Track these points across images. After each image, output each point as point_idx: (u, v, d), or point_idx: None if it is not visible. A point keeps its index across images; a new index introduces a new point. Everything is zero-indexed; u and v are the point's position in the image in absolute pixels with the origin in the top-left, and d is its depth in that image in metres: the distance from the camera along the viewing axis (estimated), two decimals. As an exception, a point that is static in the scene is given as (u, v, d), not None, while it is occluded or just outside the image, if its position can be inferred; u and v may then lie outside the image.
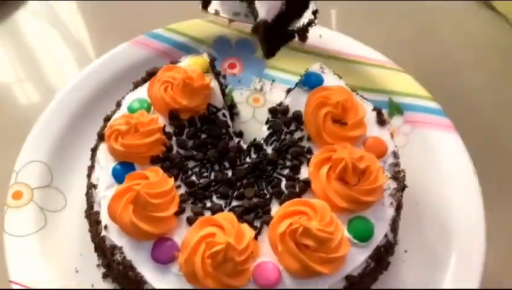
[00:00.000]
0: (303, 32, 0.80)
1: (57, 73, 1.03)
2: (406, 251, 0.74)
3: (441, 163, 0.80)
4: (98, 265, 0.72)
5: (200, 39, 0.92)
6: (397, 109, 0.86)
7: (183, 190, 0.68)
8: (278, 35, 0.76)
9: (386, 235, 0.67)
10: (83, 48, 1.07)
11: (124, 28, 1.03)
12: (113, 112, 0.77)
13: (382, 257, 0.67)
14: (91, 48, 1.06)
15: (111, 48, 0.92)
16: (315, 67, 0.80)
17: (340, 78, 0.80)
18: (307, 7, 0.78)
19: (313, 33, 0.82)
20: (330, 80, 0.78)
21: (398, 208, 0.71)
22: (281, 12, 0.73)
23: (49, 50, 1.07)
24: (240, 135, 0.80)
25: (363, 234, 0.65)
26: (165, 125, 0.72)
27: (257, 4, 0.72)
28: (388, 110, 0.86)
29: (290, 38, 0.80)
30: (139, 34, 0.93)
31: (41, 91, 1.00)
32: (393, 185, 0.70)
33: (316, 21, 0.78)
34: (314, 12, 0.78)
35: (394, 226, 0.69)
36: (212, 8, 0.83)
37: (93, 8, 1.13)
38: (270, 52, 0.78)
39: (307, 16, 0.78)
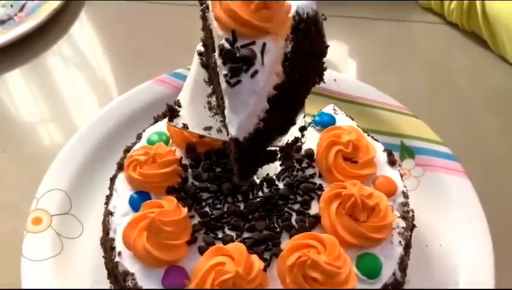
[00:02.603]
0: (286, 153, 0.69)
1: (81, 113, 1.07)
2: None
3: (451, 206, 0.81)
4: (109, 291, 0.74)
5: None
6: (408, 153, 0.88)
7: (196, 220, 0.70)
8: (253, 156, 0.61)
9: (394, 274, 0.67)
10: (107, 88, 1.11)
11: (147, 69, 1.07)
12: (133, 144, 0.80)
13: (390, 296, 0.67)
14: (115, 89, 1.10)
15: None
16: (328, 109, 0.83)
17: (352, 119, 0.82)
18: (293, 123, 0.66)
19: (329, 76, 0.85)
20: (342, 121, 0.80)
21: (407, 247, 0.71)
22: (257, 129, 0.58)
23: (74, 91, 1.11)
24: (253, 170, 0.82)
25: (371, 271, 0.66)
26: (181, 158, 0.75)
27: (227, 117, 0.57)
28: (400, 153, 0.88)
29: (270, 160, 0.66)
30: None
31: (64, 130, 1.03)
32: (402, 224, 0.71)
33: (302, 139, 0.66)
34: (302, 129, 0.66)
35: (403, 265, 0.69)
36: (179, 121, 0.71)
37: (118, 50, 1.19)
38: (243, 176, 0.64)
39: (293, 133, 0.65)
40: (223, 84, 0.56)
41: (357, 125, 0.81)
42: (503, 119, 1.02)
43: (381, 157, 0.77)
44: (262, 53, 0.56)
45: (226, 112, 0.57)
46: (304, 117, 0.67)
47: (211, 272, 0.61)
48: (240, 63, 0.55)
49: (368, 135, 0.80)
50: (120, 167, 0.76)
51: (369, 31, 1.19)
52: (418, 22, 1.23)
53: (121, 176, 0.75)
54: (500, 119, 1.02)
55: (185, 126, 0.71)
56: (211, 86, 0.71)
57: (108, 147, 0.87)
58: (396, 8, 1.23)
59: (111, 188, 0.76)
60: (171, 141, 0.78)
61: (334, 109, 0.83)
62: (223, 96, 0.57)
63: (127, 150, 0.80)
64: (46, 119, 1.08)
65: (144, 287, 0.65)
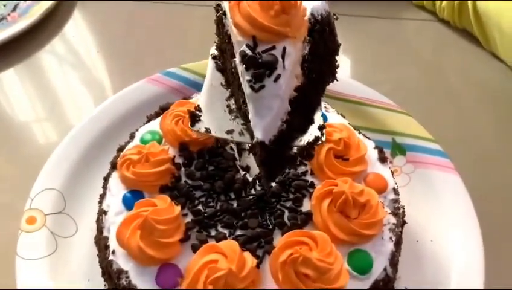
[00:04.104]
0: (308, 152, 0.69)
1: (75, 112, 1.07)
2: (405, 288, 0.75)
3: (442, 202, 0.82)
4: (104, 290, 0.75)
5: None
6: (400, 150, 0.89)
7: (189, 218, 0.71)
8: (278, 158, 0.62)
9: (385, 269, 0.68)
10: (101, 87, 1.11)
11: (141, 69, 1.08)
12: (127, 143, 0.81)
13: (381, 291, 0.68)
14: (110, 87, 1.10)
15: (128, 87, 0.97)
16: (320, 107, 0.83)
17: (344, 117, 0.83)
18: (312, 122, 0.67)
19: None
20: (334, 118, 0.81)
21: (398, 244, 0.72)
22: (281, 131, 0.59)
23: (68, 90, 1.11)
24: (246, 169, 0.82)
25: (362, 267, 0.66)
26: (174, 156, 0.76)
27: (252, 121, 0.58)
28: (391, 150, 0.89)
29: (294, 161, 0.71)
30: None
31: (59, 129, 1.03)
32: (392, 220, 0.72)
33: (322, 138, 0.67)
34: (321, 128, 0.67)
35: (393, 261, 0.70)
36: (201, 126, 0.71)
37: (112, 49, 1.19)
38: (270, 177, 0.66)
39: (312, 132, 0.66)
40: (247, 90, 0.57)
41: (349, 123, 0.81)
42: (494, 116, 1.03)
43: (372, 154, 0.78)
44: (283, 57, 0.57)
45: (250, 116, 0.58)
46: (322, 116, 0.68)
47: (203, 269, 0.62)
48: (262, 68, 0.56)
49: (359, 133, 0.81)
50: (113, 166, 0.77)
51: (361, 29, 1.19)
52: (410, 19, 1.23)
53: (115, 175, 0.76)
54: (492, 116, 1.03)
55: (208, 130, 0.70)
56: (229, 89, 0.72)
57: (101, 146, 0.88)
58: (388, 6, 1.24)
59: (104, 187, 0.77)
60: (164, 140, 0.79)
61: (325, 107, 0.83)
62: (247, 101, 0.58)
63: (120, 149, 0.80)
64: (40, 119, 1.08)
65: (137, 285, 0.65)
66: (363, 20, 1.21)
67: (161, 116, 0.80)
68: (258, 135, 0.58)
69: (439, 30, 1.20)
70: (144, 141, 0.79)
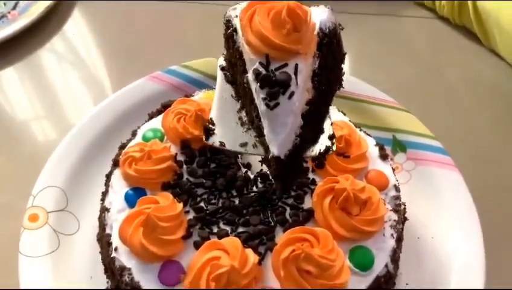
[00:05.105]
0: (320, 161, 0.73)
1: (75, 111, 1.07)
2: (406, 284, 0.75)
3: (442, 199, 0.82)
4: (107, 288, 0.74)
5: (213, 76, 0.95)
6: (400, 147, 0.89)
7: (191, 215, 0.71)
8: (292, 170, 0.64)
9: (386, 266, 0.68)
10: (101, 86, 1.11)
11: (141, 66, 1.08)
12: (129, 141, 0.81)
13: (382, 288, 0.68)
14: (109, 86, 1.10)
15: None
16: (320, 104, 0.83)
17: (344, 114, 0.83)
18: (322, 132, 0.68)
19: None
20: (334, 116, 0.81)
21: (399, 240, 0.72)
22: (295, 145, 0.61)
23: (68, 88, 1.11)
24: (247, 166, 0.82)
25: (363, 263, 0.67)
26: (176, 154, 0.76)
27: (267, 137, 0.60)
28: (392, 148, 0.89)
29: (306, 172, 0.74)
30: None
31: (59, 127, 1.03)
32: (394, 217, 0.72)
33: (333, 147, 0.67)
34: (331, 137, 0.68)
35: (395, 257, 0.71)
36: (216, 140, 0.71)
37: (112, 47, 1.19)
38: (285, 190, 0.69)
39: (323, 142, 0.67)
40: (262, 107, 0.58)
41: (349, 120, 0.82)
42: (494, 113, 1.03)
43: (373, 151, 0.78)
44: (295, 74, 0.58)
45: (265, 132, 0.60)
46: (331, 125, 0.69)
47: (206, 266, 0.62)
48: (277, 86, 0.57)
49: (360, 130, 0.81)
50: (115, 164, 0.77)
51: (361, 26, 1.20)
52: (410, 16, 1.24)
53: (117, 173, 0.76)
54: (491, 113, 1.03)
55: (222, 144, 0.71)
56: (239, 101, 0.72)
57: (103, 143, 0.88)
58: (388, 3, 1.24)
59: (107, 184, 0.77)
60: (165, 137, 0.79)
61: (326, 105, 0.83)
62: (261, 117, 0.60)
63: (122, 146, 0.80)
64: (40, 117, 1.08)
65: (140, 282, 0.65)
66: (363, 18, 1.21)
67: (163, 113, 0.81)
68: (274, 150, 0.59)
69: (438, 28, 1.20)
70: (145, 139, 0.79)
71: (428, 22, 1.22)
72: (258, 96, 0.59)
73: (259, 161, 0.70)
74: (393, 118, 0.91)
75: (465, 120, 1.02)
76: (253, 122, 0.66)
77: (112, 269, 0.69)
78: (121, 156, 0.76)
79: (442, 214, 0.81)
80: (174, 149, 0.77)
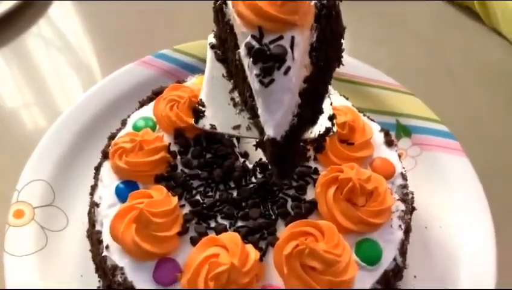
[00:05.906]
0: (319, 144, 0.70)
1: (63, 96, 1.04)
2: (415, 277, 0.73)
3: (450, 186, 0.79)
4: (98, 287, 0.71)
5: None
6: (405, 131, 0.86)
7: (187, 209, 0.68)
8: (290, 153, 0.59)
9: (394, 259, 0.66)
10: (90, 71, 1.08)
11: (131, 50, 1.04)
12: (118, 130, 0.78)
13: (390, 282, 0.66)
14: (98, 71, 1.08)
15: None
16: (322, 88, 0.79)
17: (347, 99, 0.80)
18: (321, 112, 0.63)
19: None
20: (337, 101, 0.78)
21: (407, 231, 0.69)
22: (292, 126, 0.56)
23: (56, 73, 1.08)
24: (245, 155, 0.79)
25: (371, 257, 0.64)
26: (170, 144, 0.73)
27: (262, 117, 0.55)
28: (395, 133, 0.86)
29: (305, 156, 0.70)
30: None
31: (48, 114, 1.00)
32: (401, 207, 0.69)
33: (334, 129, 0.64)
34: (331, 118, 0.65)
35: (403, 249, 0.68)
36: (206, 122, 0.67)
37: (100, 31, 1.16)
38: (283, 175, 0.63)
39: (323, 123, 0.64)
40: (256, 84, 0.54)
41: (352, 105, 0.78)
42: (498, 94, 1.01)
43: (378, 138, 0.75)
44: (292, 47, 0.54)
45: (260, 111, 0.55)
46: (331, 104, 0.65)
47: (204, 264, 0.60)
48: (271, 61, 0.53)
49: (364, 115, 0.78)
50: (105, 155, 0.74)
51: (362, 8, 1.17)
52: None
53: (106, 165, 0.73)
54: (495, 94, 1.01)
55: (213, 127, 0.67)
56: (231, 81, 0.68)
57: (91, 134, 0.85)
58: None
59: (96, 177, 0.74)
60: (158, 126, 0.76)
61: (327, 89, 0.79)
62: (255, 96, 0.55)
63: (112, 137, 0.77)
64: (28, 104, 1.04)
65: (134, 282, 0.63)
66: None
67: (154, 101, 0.77)
68: (269, 131, 0.55)
69: (440, 7, 1.19)
70: (136, 128, 0.76)
71: (430, 3, 1.20)
72: (251, 73, 0.54)
73: (254, 146, 0.64)
74: (397, 101, 0.88)
75: (467, 101, 1.00)
76: (247, 103, 0.62)
77: (103, 268, 0.66)
78: (110, 147, 0.73)
79: (451, 203, 0.78)
80: (167, 139, 0.74)
